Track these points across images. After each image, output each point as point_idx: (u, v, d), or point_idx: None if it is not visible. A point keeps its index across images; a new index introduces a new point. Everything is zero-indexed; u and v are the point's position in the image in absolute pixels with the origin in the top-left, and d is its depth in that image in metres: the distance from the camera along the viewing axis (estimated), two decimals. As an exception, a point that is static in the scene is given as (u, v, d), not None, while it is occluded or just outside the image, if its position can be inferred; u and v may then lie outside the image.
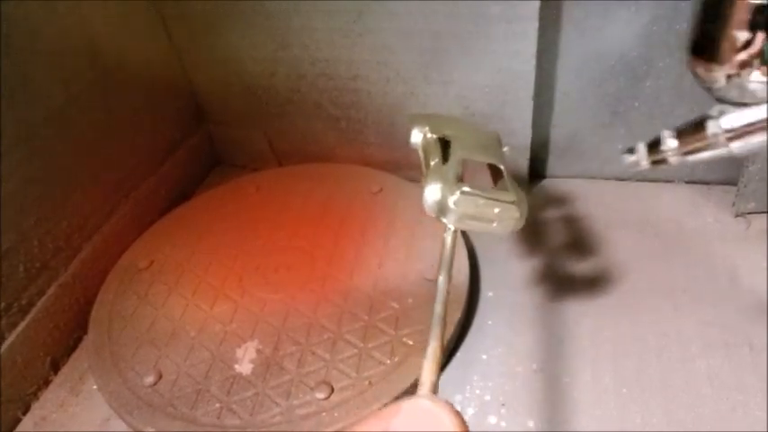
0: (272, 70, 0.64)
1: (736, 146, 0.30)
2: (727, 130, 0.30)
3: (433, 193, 0.33)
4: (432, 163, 0.36)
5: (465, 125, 0.40)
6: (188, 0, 0.62)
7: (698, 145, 0.32)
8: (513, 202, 0.33)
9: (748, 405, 0.41)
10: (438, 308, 0.30)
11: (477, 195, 0.32)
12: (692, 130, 0.32)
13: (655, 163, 0.35)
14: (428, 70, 0.57)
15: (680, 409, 0.42)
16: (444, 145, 0.38)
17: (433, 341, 0.28)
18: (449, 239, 0.33)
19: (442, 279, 0.31)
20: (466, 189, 0.32)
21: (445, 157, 0.36)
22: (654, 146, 0.34)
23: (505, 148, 0.39)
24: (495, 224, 0.33)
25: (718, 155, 0.31)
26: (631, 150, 0.36)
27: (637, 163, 0.35)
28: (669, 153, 0.33)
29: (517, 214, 0.33)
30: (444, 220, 0.33)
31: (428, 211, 0.33)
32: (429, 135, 0.38)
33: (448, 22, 0.53)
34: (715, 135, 0.30)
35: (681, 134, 0.33)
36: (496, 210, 0.33)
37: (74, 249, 0.55)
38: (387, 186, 0.62)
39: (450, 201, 0.32)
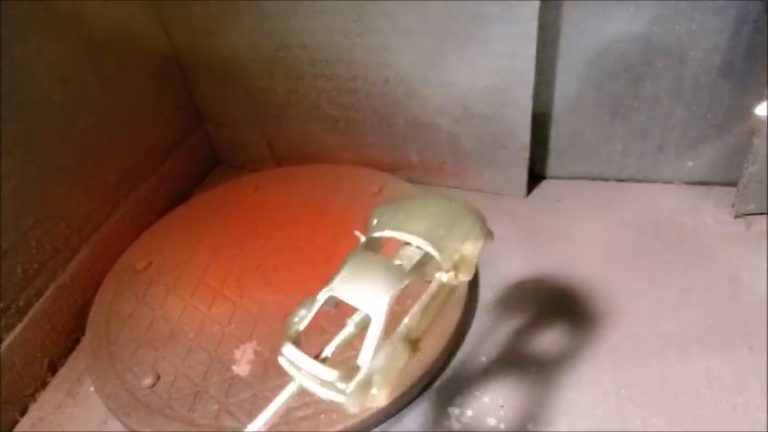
0: (271, 71, 0.64)
1: None
2: None
3: (286, 324, 0.27)
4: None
5: (433, 223, 0.28)
6: (187, 1, 0.62)
7: None
8: (338, 383, 0.24)
9: (748, 406, 0.41)
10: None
11: (299, 361, 0.25)
12: None
13: None
14: (427, 71, 0.57)
15: (680, 410, 0.41)
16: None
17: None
18: (288, 390, 0.26)
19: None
20: (289, 347, 0.26)
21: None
22: None
23: (449, 276, 0.27)
24: (323, 398, 0.25)
25: None
26: None
27: None
28: None
29: (341, 399, 0.24)
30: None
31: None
32: (365, 234, 0.30)
33: (447, 22, 0.53)
34: None
35: None
36: (319, 387, 0.25)
37: (72, 250, 0.55)
38: (386, 187, 0.62)
39: (280, 352, 0.26)
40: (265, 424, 0.26)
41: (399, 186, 0.62)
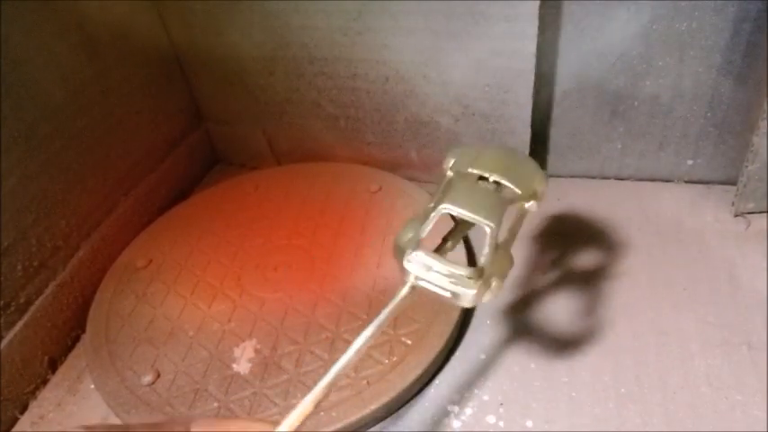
0: (271, 69, 0.64)
1: None
2: None
3: (398, 240, 0.31)
4: (428, 205, 0.32)
5: (508, 165, 0.33)
6: (188, 0, 0.62)
7: None
8: (470, 278, 0.30)
9: (747, 404, 0.41)
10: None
11: (430, 263, 0.30)
12: None
13: None
14: (427, 69, 0.57)
15: (679, 409, 0.42)
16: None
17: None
18: (402, 293, 0.30)
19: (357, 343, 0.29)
20: (419, 253, 0.30)
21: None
22: None
23: (530, 204, 0.33)
24: (449, 295, 0.30)
25: None
26: None
27: None
28: None
29: (473, 291, 0.30)
30: (405, 274, 0.30)
31: (394, 256, 0.31)
32: (449, 169, 0.34)
33: (447, 20, 0.53)
34: None
35: None
36: (450, 283, 0.30)
37: (72, 248, 0.55)
38: (386, 185, 0.62)
39: (405, 258, 0.30)
40: (378, 327, 0.29)
41: (399, 184, 0.62)
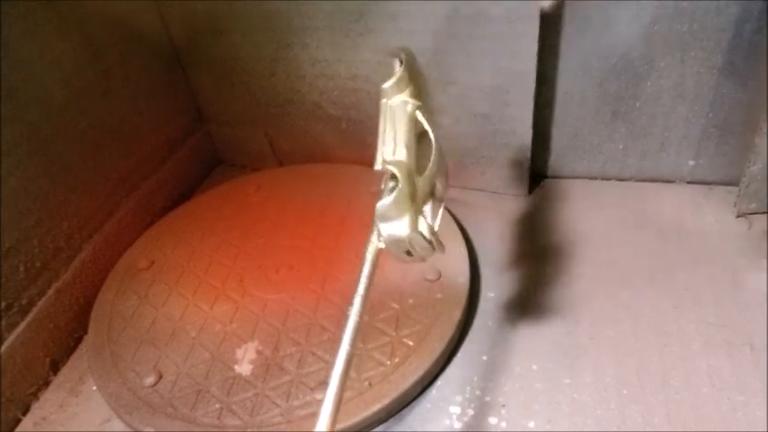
0: (272, 70, 0.64)
1: None
2: None
3: (386, 210, 0.30)
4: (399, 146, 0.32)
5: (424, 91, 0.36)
6: (189, 0, 0.62)
7: None
8: (441, 249, 0.33)
9: (749, 405, 0.41)
10: (346, 341, 0.28)
11: (428, 239, 0.31)
12: None
13: None
14: (429, 70, 0.57)
15: (681, 409, 0.42)
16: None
17: (336, 378, 0.27)
18: (371, 256, 0.31)
19: (357, 302, 0.29)
20: (424, 233, 0.31)
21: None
22: None
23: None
24: (410, 257, 0.32)
25: None
26: None
27: None
28: None
29: (432, 255, 0.33)
30: (378, 235, 0.31)
31: (378, 220, 0.31)
32: (410, 103, 0.33)
33: (448, 22, 0.53)
34: None
35: None
36: (425, 251, 0.32)
37: (74, 249, 0.55)
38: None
39: (404, 233, 0.30)
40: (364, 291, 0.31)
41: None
